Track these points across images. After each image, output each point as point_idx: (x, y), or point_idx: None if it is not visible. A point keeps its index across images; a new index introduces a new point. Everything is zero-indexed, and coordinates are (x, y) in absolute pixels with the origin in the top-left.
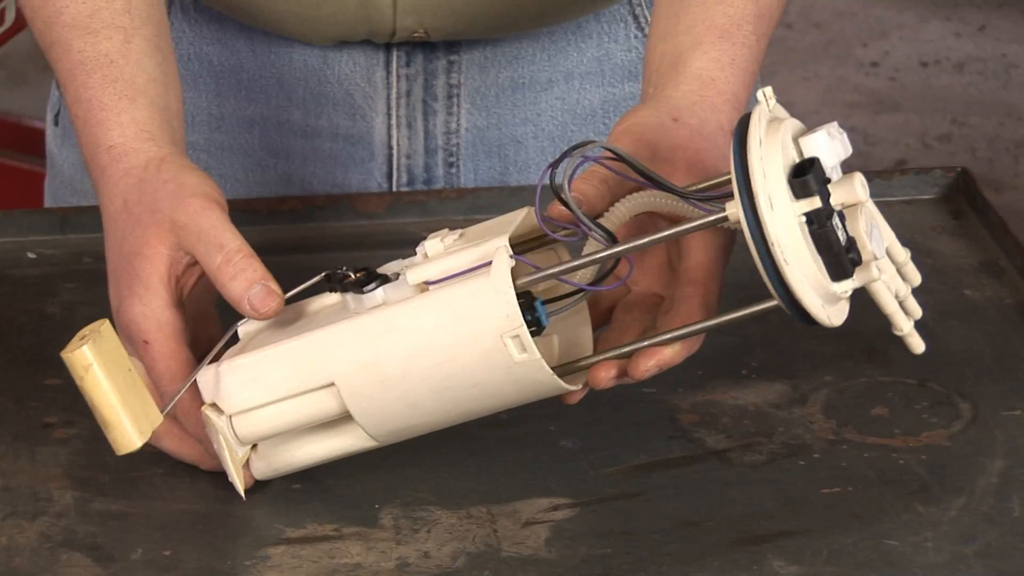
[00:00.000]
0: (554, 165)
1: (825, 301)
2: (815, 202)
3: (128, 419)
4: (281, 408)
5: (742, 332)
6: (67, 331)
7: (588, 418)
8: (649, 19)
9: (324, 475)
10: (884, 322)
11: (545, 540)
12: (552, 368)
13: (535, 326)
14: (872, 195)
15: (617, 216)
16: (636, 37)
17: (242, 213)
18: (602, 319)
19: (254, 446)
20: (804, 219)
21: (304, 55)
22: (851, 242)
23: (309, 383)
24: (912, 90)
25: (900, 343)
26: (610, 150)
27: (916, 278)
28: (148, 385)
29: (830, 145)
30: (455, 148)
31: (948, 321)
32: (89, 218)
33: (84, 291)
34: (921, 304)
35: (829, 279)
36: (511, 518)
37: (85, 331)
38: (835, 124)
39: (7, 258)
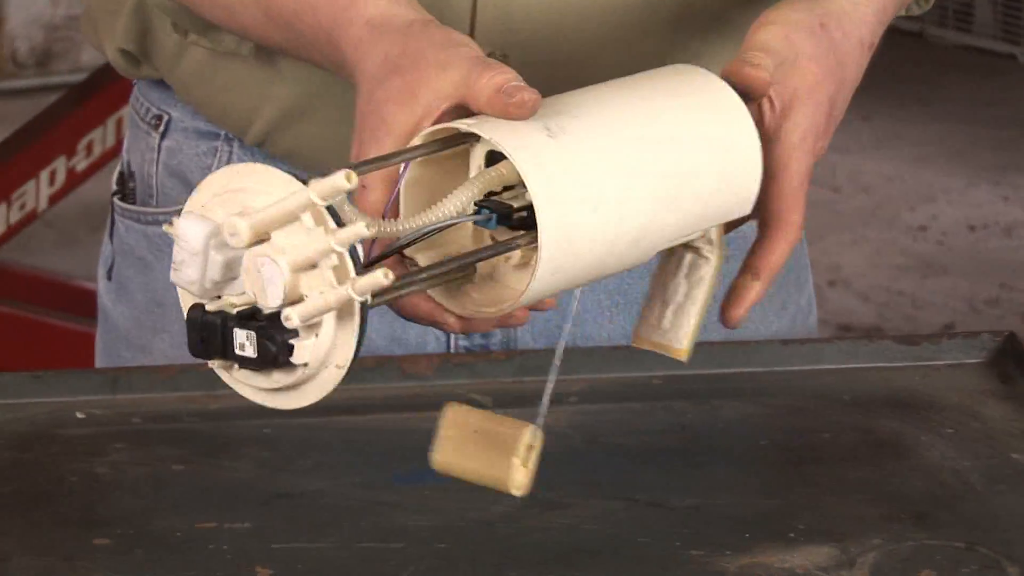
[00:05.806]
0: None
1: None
2: None
3: (495, 479)
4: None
5: (787, 495)
6: (116, 491)
7: None
8: None
9: None
10: (931, 485)
11: None
12: None
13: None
14: (920, 358)
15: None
16: None
17: None
18: None
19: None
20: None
21: None
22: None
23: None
24: (960, 254)
25: (948, 507)
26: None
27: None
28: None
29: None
30: None
31: (996, 485)
32: (139, 378)
33: (133, 451)
34: (970, 468)
35: None
36: None
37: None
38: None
39: (56, 418)
